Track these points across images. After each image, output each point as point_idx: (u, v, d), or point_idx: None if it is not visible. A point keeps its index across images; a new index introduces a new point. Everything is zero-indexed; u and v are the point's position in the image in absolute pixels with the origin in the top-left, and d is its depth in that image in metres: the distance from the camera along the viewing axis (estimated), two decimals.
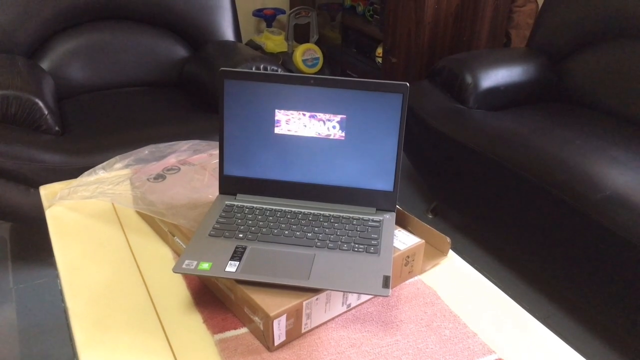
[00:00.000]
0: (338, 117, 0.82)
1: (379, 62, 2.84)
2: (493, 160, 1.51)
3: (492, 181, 1.55)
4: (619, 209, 1.21)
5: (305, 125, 0.83)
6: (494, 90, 1.77)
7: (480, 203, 1.62)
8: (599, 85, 1.79)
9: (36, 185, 1.50)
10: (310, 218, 0.82)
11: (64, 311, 1.51)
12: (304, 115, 0.83)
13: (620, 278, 1.22)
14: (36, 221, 1.58)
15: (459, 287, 0.82)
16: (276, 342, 0.69)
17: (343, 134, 0.83)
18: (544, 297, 1.62)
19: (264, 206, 0.84)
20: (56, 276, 1.64)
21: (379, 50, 2.81)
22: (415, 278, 0.83)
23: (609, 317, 1.29)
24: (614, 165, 1.33)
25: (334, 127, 0.83)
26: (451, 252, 0.88)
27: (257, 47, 3.24)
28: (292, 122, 0.83)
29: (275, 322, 0.67)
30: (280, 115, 0.83)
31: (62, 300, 1.55)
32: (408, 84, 0.81)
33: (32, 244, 1.80)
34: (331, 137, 0.83)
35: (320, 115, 0.82)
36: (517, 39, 2.61)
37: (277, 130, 0.84)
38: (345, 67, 3.14)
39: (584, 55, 1.86)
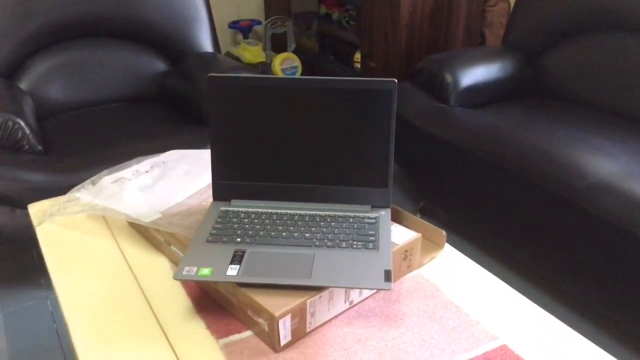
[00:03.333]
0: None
1: (357, 67, 2.86)
2: (478, 156, 1.53)
3: (478, 177, 1.57)
4: (605, 196, 1.23)
5: (296, 126, 0.83)
6: (474, 88, 1.79)
7: (468, 200, 1.64)
8: (575, 78, 1.83)
9: (21, 205, 1.47)
10: (306, 219, 0.82)
11: (57, 333, 1.49)
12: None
13: (609, 263, 1.25)
14: (22, 242, 1.56)
15: (457, 279, 0.83)
16: (282, 343, 0.69)
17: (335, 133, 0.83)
18: (536, 288, 1.63)
19: (260, 210, 0.84)
20: (45, 297, 1.62)
21: (357, 56, 2.83)
22: (414, 272, 0.84)
23: (600, 302, 1.31)
24: (596, 154, 1.36)
25: None
26: (447, 245, 0.89)
27: (235, 59, 3.24)
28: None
29: (281, 322, 0.67)
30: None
31: (54, 322, 1.52)
32: (396, 80, 0.82)
33: (18, 266, 1.76)
34: None
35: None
36: (491, 38, 2.65)
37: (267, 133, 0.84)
38: (324, 74, 3.16)
39: (559, 50, 1.90)
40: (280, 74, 3.09)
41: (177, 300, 0.78)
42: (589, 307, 1.45)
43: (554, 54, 1.92)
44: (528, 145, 1.45)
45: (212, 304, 0.77)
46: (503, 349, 0.69)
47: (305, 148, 0.84)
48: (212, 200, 0.88)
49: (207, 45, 2.17)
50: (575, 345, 0.70)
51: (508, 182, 1.45)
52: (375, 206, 0.85)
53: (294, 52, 3.23)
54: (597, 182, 1.26)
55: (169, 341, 0.71)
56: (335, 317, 0.74)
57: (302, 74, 3.20)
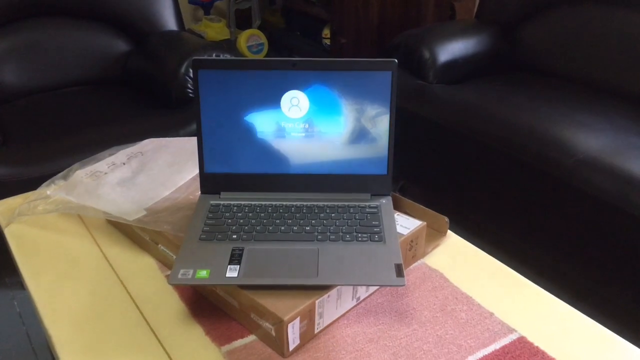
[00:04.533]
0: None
1: (326, 43, 2.79)
2: (461, 133, 1.51)
3: (461, 155, 1.54)
4: (594, 173, 1.22)
5: (289, 111, 0.78)
6: (452, 64, 1.76)
7: (451, 179, 1.62)
8: (552, 51, 1.81)
9: None
10: (304, 210, 0.77)
11: (27, 335, 1.40)
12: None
13: (601, 240, 1.24)
14: None
15: (464, 266, 0.79)
16: (291, 347, 0.64)
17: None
18: (526, 268, 1.62)
19: (253, 202, 0.79)
20: (11, 298, 1.52)
21: (326, 32, 2.76)
22: (419, 262, 0.80)
23: (592, 280, 1.32)
24: (581, 129, 1.35)
25: None
26: (449, 231, 0.86)
27: (197, 36, 3.11)
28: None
29: (290, 326, 0.62)
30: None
31: (23, 324, 1.43)
32: (396, 60, 0.77)
33: None
34: None
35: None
36: (460, 12, 2.62)
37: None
38: (292, 51, 3.08)
39: (534, 24, 1.88)
40: (246, 52, 2.99)
41: (170, 304, 0.72)
42: (583, 285, 1.45)
43: (529, 27, 1.90)
44: (512, 122, 1.43)
45: (209, 307, 0.71)
46: (522, 341, 0.66)
47: (301, 133, 0.79)
48: (199, 193, 0.82)
49: (171, 23, 2.06)
50: (592, 332, 0.68)
51: (493, 160, 1.43)
52: (375, 194, 0.81)
53: (259, 28, 3.13)
54: (586, 159, 1.25)
55: (165, 351, 0.65)
56: (343, 315, 0.70)
57: (268, 51, 3.10)
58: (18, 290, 1.54)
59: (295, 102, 0.77)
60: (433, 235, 0.84)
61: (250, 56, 3.01)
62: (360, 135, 0.79)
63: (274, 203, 0.79)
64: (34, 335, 1.40)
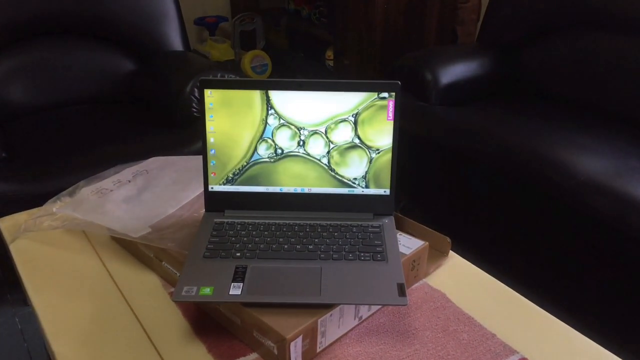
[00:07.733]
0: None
1: (329, 64, 2.82)
2: (463, 155, 1.52)
3: (463, 176, 1.55)
4: (595, 195, 1.23)
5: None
6: (454, 86, 1.78)
7: (453, 199, 1.63)
8: (552, 74, 1.83)
9: None
10: (307, 229, 0.78)
11: (28, 352, 1.40)
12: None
13: (601, 262, 1.25)
14: None
15: (466, 287, 0.80)
16: None
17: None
18: (527, 290, 1.61)
19: (257, 221, 0.80)
20: (13, 314, 1.52)
21: (329, 53, 2.79)
22: (421, 282, 0.81)
23: (593, 301, 1.31)
24: (582, 152, 1.36)
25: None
26: (451, 252, 0.86)
27: (202, 57, 3.15)
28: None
29: (292, 345, 0.62)
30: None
31: (24, 340, 1.43)
32: (399, 82, 0.78)
33: None
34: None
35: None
36: (462, 35, 2.65)
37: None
38: (295, 71, 3.11)
39: (535, 47, 1.90)
40: (250, 72, 3.02)
41: (172, 321, 0.73)
42: (584, 306, 1.44)
43: (530, 51, 1.92)
44: (513, 144, 1.44)
45: (212, 324, 0.72)
46: None
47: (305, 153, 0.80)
48: (204, 211, 0.83)
49: (176, 43, 2.09)
50: (594, 354, 0.68)
51: (494, 182, 1.44)
52: (378, 214, 0.82)
53: (263, 49, 3.17)
54: (587, 181, 1.26)
55: None
56: (345, 334, 0.70)
57: (272, 72, 3.13)
58: (20, 307, 1.54)
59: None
60: (435, 256, 0.85)
61: (254, 76, 3.05)
62: (363, 155, 0.80)
63: (277, 222, 0.79)
64: (35, 353, 1.39)
